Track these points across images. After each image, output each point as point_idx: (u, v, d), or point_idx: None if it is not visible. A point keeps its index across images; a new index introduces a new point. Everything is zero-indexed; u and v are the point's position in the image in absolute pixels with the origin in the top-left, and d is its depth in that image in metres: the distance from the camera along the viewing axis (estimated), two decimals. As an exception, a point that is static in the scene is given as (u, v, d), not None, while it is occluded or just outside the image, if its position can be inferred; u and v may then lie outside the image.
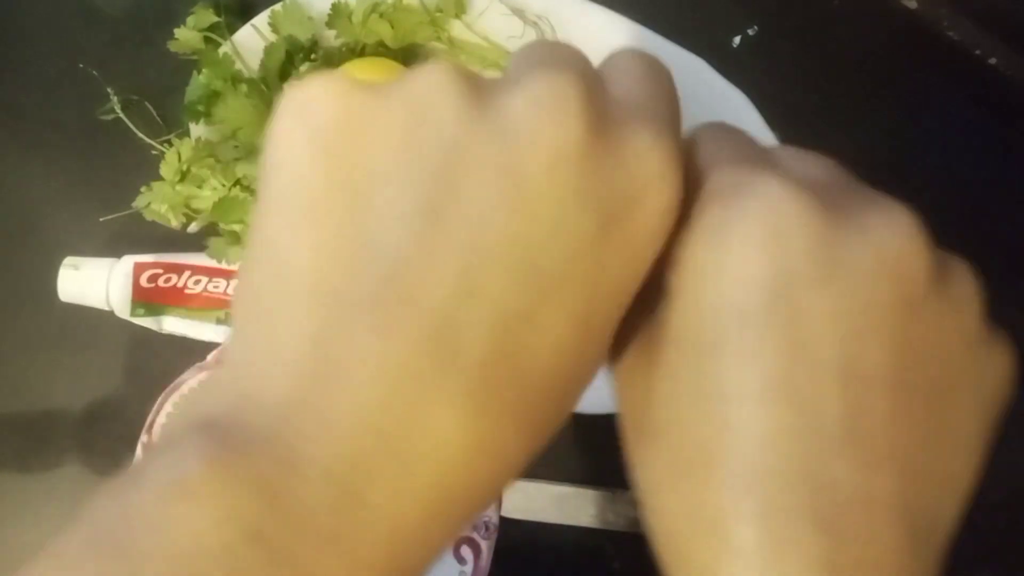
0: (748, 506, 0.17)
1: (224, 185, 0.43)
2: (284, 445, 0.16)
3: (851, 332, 0.17)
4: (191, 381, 0.40)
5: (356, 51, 0.45)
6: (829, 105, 0.45)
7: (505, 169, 0.17)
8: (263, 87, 0.43)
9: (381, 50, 0.45)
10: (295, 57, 0.43)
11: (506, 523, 0.41)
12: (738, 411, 0.17)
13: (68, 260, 0.44)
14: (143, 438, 0.40)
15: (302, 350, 0.17)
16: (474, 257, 0.17)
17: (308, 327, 0.17)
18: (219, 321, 0.45)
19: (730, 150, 0.21)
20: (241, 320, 0.18)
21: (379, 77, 0.39)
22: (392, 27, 0.44)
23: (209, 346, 0.45)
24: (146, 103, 0.47)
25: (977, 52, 0.46)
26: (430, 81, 0.18)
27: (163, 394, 0.41)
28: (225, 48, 0.44)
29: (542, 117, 0.17)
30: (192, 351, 0.44)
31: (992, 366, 0.20)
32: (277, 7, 0.44)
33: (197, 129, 0.44)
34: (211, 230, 0.44)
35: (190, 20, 0.45)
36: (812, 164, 0.21)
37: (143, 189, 0.44)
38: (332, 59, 0.44)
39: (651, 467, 0.19)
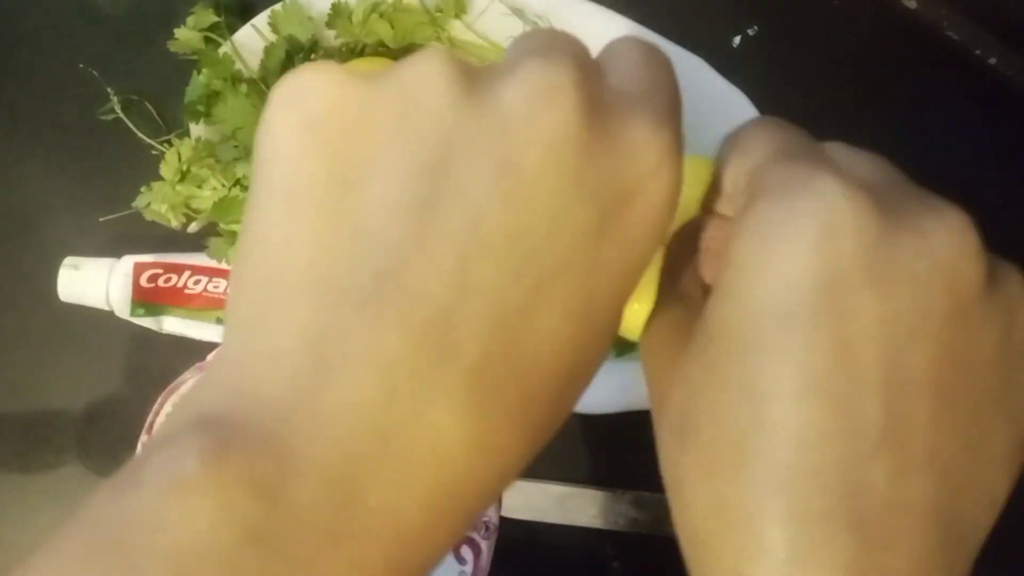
0: (780, 506, 0.17)
1: (224, 185, 0.43)
2: (282, 444, 0.16)
3: (899, 337, 0.17)
4: (191, 381, 0.40)
5: (356, 51, 0.45)
6: (829, 105, 0.45)
7: (500, 159, 0.17)
8: (263, 87, 0.43)
9: (381, 50, 0.45)
10: (295, 57, 0.43)
11: (506, 523, 0.41)
12: (776, 409, 0.17)
13: (68, 260, 0.44)
14: (143, 438, 0.40)
15: (297, 346, 0.16)
16: (470, 249, 0.16)
17: (302, 322, 0.17)
18: (219, 321, 0.44)
19: (781, 145, 0.20)
20: (234, 315, 0.18)
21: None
22: (392, 27, 0.44)
23: (209, 346, 0.44)
24: (146, 103, 0.47)
25: (977, 52, 0.46)
26: (423, 70, 0.18)
27: (163, 394, 0.41)
28: (225, 48, 0.44)
29: (537, 105, 0.17)
30: (192, 351, 0.44)
31: None
32: (277, 7, 0.44)
33: (197, 129, 0.44)
34: (211, 230, 0.44)
35: (190, 20, 0.45)
36: (866, 163, 0.20)
37: (143, 189, 0.44)
38: (332, 59, 0.44)
39: (681, 461, 0.19)
